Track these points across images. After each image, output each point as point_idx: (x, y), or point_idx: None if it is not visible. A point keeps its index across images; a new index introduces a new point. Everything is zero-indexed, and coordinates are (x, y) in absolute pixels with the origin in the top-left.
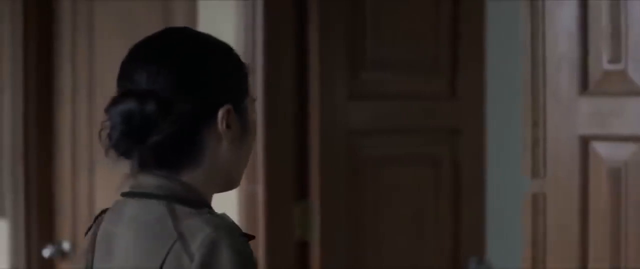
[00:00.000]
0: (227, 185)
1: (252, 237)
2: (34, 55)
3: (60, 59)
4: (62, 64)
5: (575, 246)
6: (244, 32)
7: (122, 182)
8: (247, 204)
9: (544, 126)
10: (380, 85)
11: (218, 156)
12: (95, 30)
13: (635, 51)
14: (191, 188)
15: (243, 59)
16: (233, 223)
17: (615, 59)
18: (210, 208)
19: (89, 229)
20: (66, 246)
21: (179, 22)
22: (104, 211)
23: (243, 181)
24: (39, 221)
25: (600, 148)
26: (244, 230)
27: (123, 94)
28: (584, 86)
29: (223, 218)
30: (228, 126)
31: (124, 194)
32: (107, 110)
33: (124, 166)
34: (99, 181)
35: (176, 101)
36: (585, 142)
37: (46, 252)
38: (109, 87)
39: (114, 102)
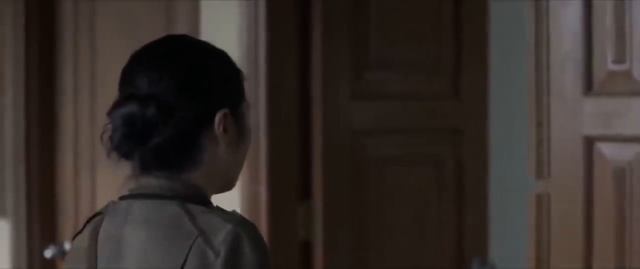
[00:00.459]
0: (224, 187)
1: None
2: (35, 55)
3: (62, 59)
4: (64, 64)
5: (580, 246)
6: (247, 32)
7: (122, 184)
8: (250, 204)
9: (549, 126)
10: (383, 85)
11: (216, 159)
12: (97, 31)
13: None
14: (196, 188)
15: (246, 58)
16: (247, 218)
17: (619, 59)
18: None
19: (78, 233)
20: (68, 246)
21: (182, 22)
22: (95, 215)
23: (246, 181)
24: (41, 221)
25: (604, 148)
26: None
27: (125, 97)
28: (589, 86)
29: (236, 214)
30: (225, 130)
31: (128, 196)
32: (110, 113)
33: (125, 168)
34: (100, 181)
35: (176, 104)
36: (589, 143)
37: (48, 252)
38: (110, 87)
39: (116, 105)
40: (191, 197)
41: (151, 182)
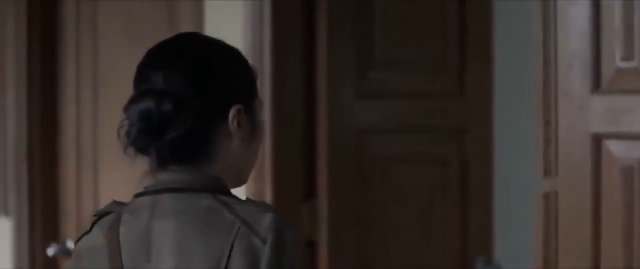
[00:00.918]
0: (237, 182)
1: None
2: (38, 55)
3: (64, 59)
4: (66, 64)
5: (588, 245)
6: (251, 32)
7: (140, 180)
8: None
9: (556, 125)
10: (388, 84)
11: (230, 154)
12: (99, 31)
13: None
14: (219, 179)
15: (250, 58)
16: None
17: (628, 56)
18: None
19: (85, 234)
20: (70, 245)
21: (185, 22)
22: (101, 215)
23: (251, 181)
24: (43, 220)
25: (613, 146)
26: None
27: (141, 93)
28: (597, 84)
29: (265, 203)
30: (239, 125)
31: (149, 192)
32: (126, 109)
33: (132, 166)
34: (103, 179)
35: (191, 100)
36: (597, 141)
37: (50, 251)
38: (112, 87)
39: (133, 101)
40: (218, 189)
41: (175, 176)
